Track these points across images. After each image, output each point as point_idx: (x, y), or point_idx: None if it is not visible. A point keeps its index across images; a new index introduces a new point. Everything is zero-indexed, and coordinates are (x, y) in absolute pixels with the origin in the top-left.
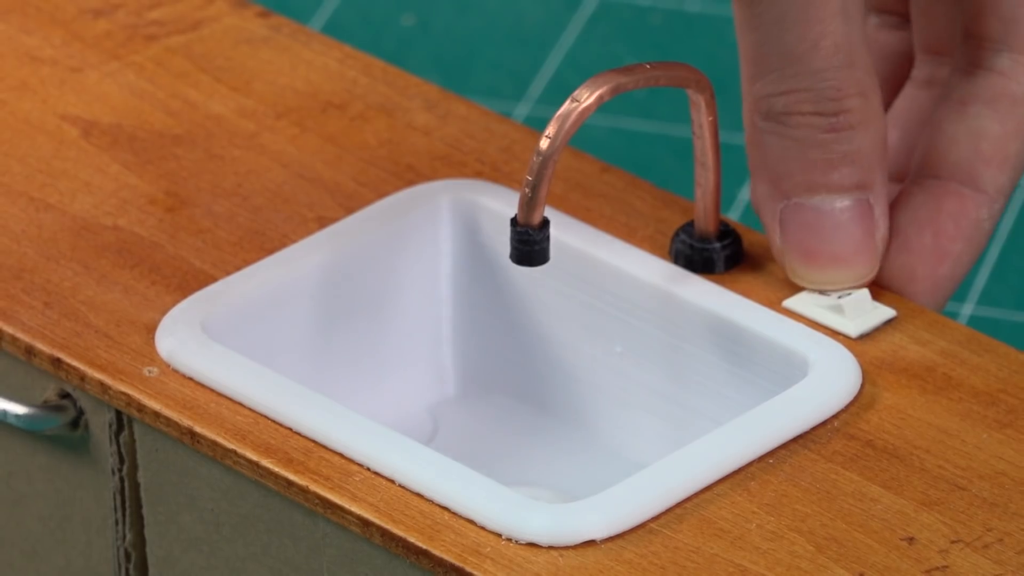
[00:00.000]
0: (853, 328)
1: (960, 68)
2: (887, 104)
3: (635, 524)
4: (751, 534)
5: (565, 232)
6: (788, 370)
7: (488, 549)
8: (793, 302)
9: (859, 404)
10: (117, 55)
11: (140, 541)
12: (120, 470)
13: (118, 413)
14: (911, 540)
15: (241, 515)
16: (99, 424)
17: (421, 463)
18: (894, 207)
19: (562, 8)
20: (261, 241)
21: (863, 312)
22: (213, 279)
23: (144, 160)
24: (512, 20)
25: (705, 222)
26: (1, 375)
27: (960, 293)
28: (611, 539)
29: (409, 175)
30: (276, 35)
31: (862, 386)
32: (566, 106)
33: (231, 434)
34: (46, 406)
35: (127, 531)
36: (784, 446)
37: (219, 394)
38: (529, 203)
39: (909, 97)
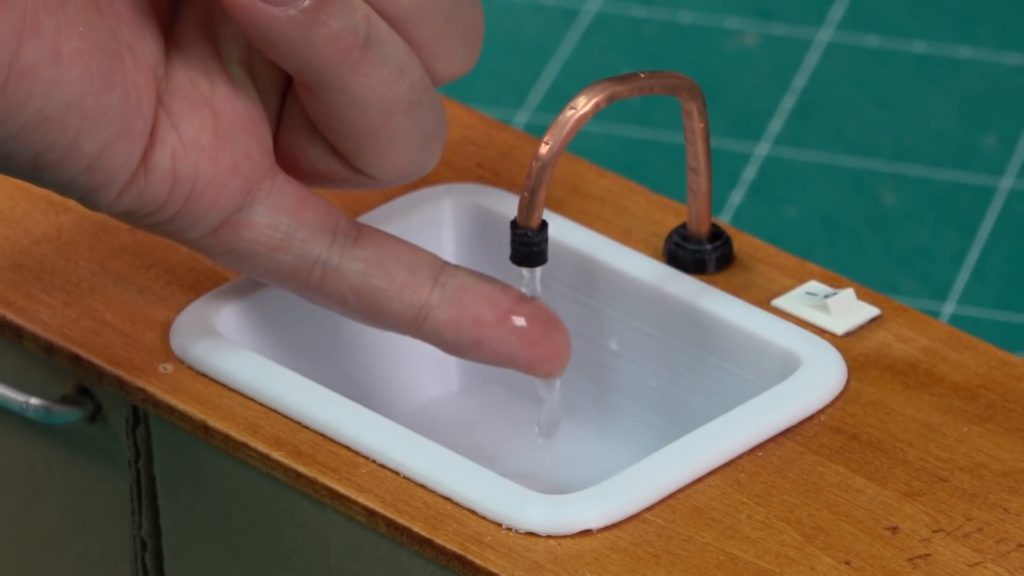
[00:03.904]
0: (839, 326)
1: None
2: None
3: (630, 514)
4: (741, 524)
5: (563, 234)
6: (776, 366)
7: (489, 538)
8: (781, 301)
9: (845, 399)
10: None
11: (155, 531)
12: (136, 463)
13: (134, 408)
14: (894, 529)
15: (252, 506)
16: (116, 418)
17: (425, 456)
18: None
19: (560, 20)
20: None
21: (849, 311)
22: (225, 279)
23: None
24: (512, 31)
25: (697, 224)
26: (22, 371)
27: (942, 293)
28: (607, 528)
29: None
30: None
31: (848, 382)
32: (564, 113)
33: (243, 428)
34: (65, 401)
35: (143, 521)
36: (773, 439)
37: (231, 389)
38: (528, 206)
39: None
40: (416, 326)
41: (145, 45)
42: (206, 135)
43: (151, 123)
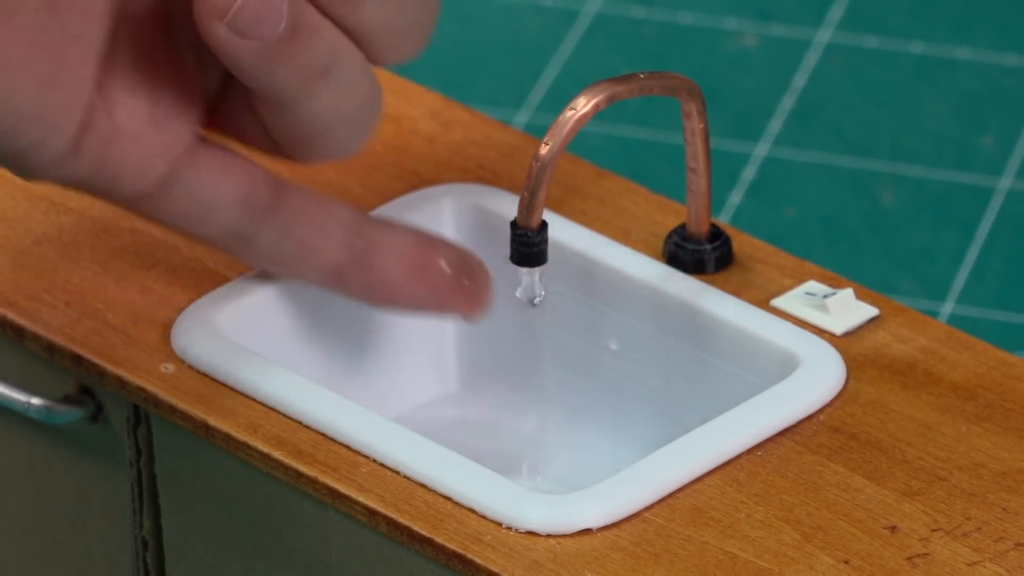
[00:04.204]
0: (838, 326)
1: None
2: None
3: (629, 513)
4: (740, 523)
5: (563, 234)
6: (776, 366)
7: (489, 537)
8: (780, 301)
9: (844, 399)
10: None
11: (157, 530)
12: (137, 462)
13: (135, 407)
14: (893, 529)
15: (253, 505)
16: (117, 418)
17: (425, 455)
18: None
19: (560, 21)
20: None
21: (847, 311)
22: (226, 280)
23: None
24: (512, 32)
25: (696, 225)
26: (24, 371)
27: (940, 292)
28: (607, 528)
29: (413, 180)
30: None
31: (846, 381)
32: (563, 114)
33: (243, 428)
34: (67, 401)
35: (144, 520)
36: (772, 439)
37: (232, 389)
38: (528, 206)
39: None
40: (333, 286)
41: (93, 30)
42: (140, 122)
43: (87, 113)
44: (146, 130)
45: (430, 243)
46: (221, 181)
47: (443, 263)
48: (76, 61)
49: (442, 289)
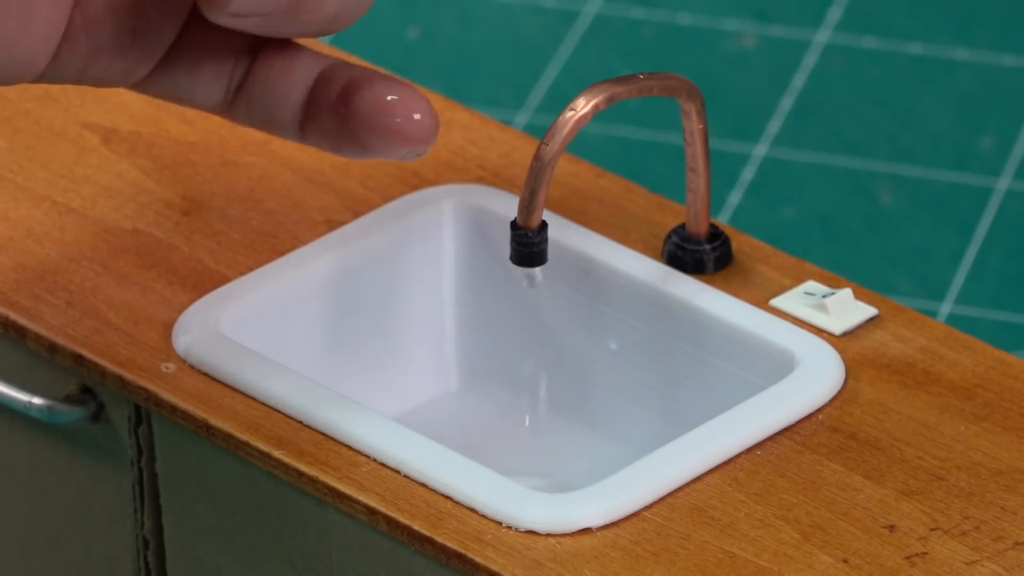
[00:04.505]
0: (837, 326)
1: None
2: None
3: (629, 512)
4: (740, 522)
5: (563, 234)
6: (775, 366)
7: (489, 536)
8: (780, 301)
9: (843, 398)
10: None
11: (158, 529)
12: (139, 461)
13: (136, 407)
14: (892, 528)
15: (254, 504)
16: (119, 417)
17: (425, 454)
18: None
19: (560, 22)
20: (273, 243)
21: (846, 311)
22: (227, 279)
23: (161, 166)
24: (512, 33)
25: (696, 225)
26: (25, 370)
27: (939, 292)
28: (606, 527)
29: (414, 180)
30: None
31: (845, 381)
32: (563, 115)
33: (244, 427)
34: (68, 400)
35: (145, 519)
36: (771, 438)
37: (233, 389)
38: (528, 206)
39: None
40: (297, 141)
41: None
42: (122, 36)
43: (62, 41)
44: (129, 44)
45: (358, 90)
46: (201, 63)
47: (372, 105)
48: (44, 8)
49: (382, 134)
